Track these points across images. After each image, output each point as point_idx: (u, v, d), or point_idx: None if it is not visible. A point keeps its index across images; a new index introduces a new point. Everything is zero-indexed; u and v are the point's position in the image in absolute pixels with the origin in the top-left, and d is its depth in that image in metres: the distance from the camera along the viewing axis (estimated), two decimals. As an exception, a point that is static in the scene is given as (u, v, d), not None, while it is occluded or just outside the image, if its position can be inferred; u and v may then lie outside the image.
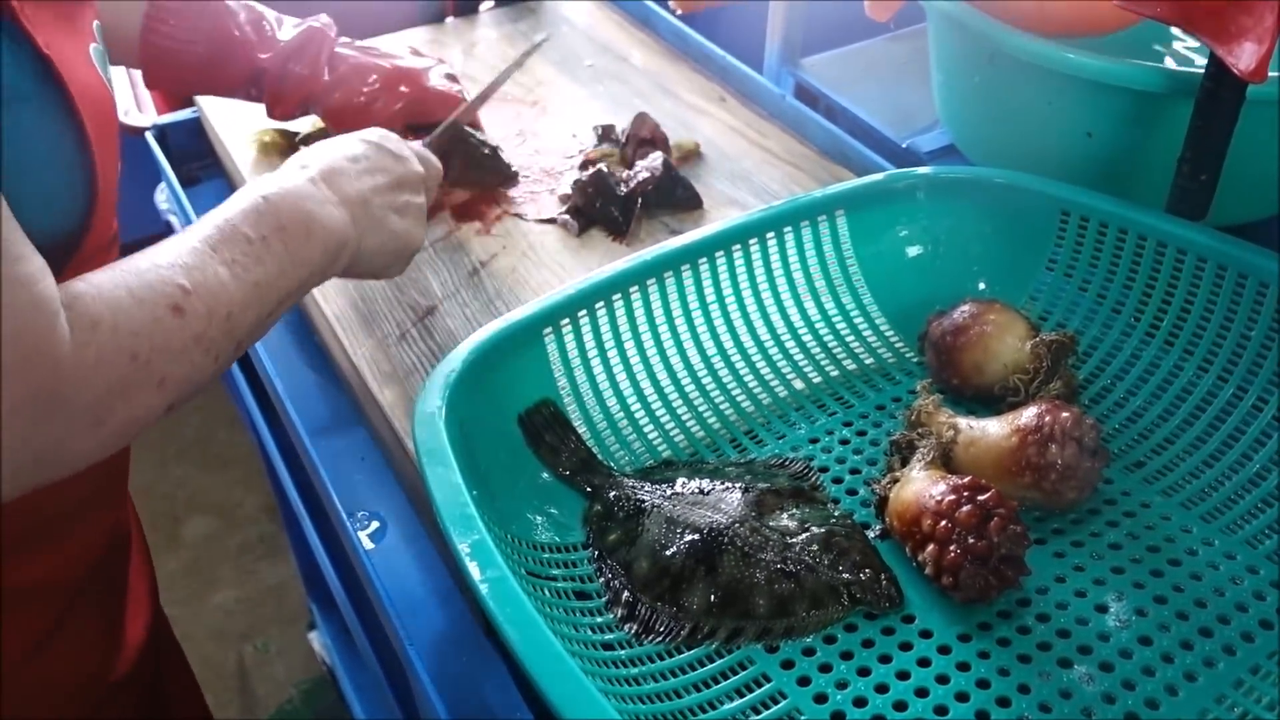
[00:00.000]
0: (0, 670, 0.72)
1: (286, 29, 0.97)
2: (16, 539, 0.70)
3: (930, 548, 0.64)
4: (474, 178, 1.03)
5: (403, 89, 1.00)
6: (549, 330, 0.77)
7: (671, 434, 0.79)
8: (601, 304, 0.80)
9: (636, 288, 0.81)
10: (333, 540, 1.26)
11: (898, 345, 0.86)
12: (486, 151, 1.02)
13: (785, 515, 0.70)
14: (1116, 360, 0.80)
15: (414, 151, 0.81)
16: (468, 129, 1.01)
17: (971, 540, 0.62)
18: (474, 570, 0.58)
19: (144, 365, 0.56)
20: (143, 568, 0.91)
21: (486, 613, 0.57)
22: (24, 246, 0.52)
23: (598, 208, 1.00)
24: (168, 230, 1.33)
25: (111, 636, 0.84)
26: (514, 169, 1.05)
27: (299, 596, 1.95)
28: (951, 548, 0.62)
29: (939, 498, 0.64)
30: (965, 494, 0.64)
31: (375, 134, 0.78)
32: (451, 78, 1.04)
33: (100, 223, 0.64)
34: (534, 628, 0.55)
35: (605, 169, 1.01)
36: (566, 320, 0.78)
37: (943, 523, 0.63)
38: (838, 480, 0.75)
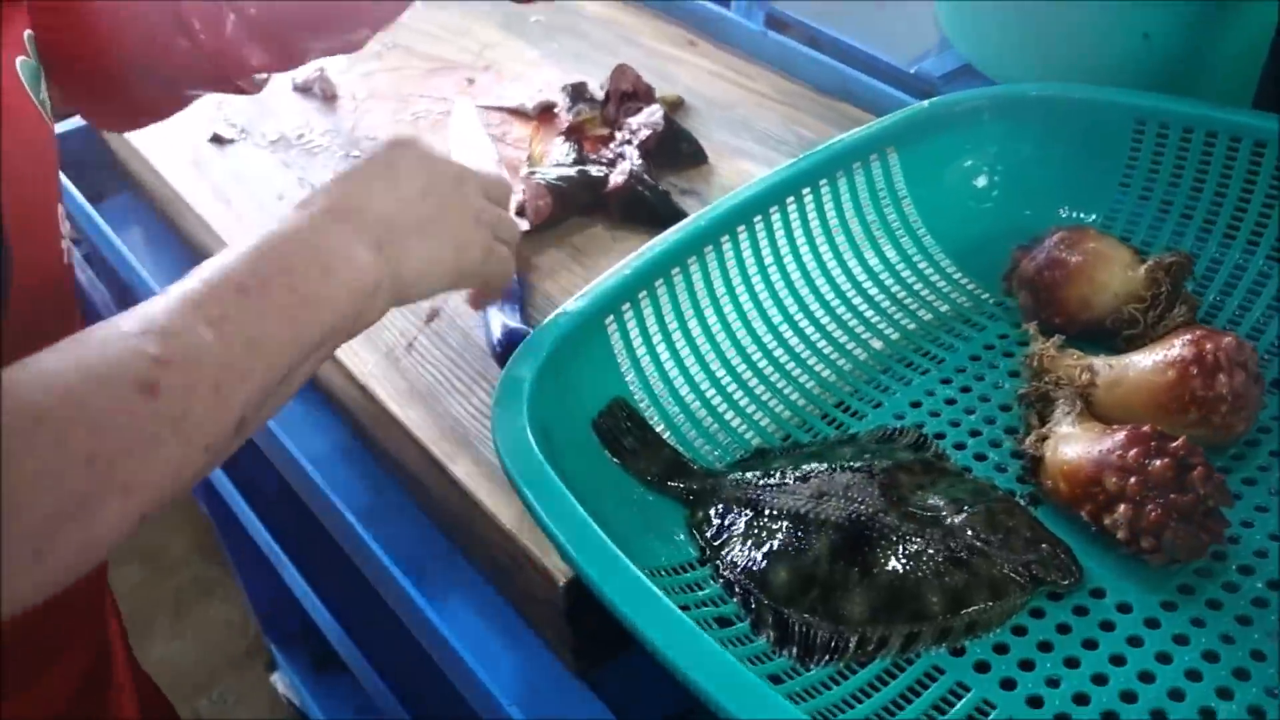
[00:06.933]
0: None
1: None
2: None
3: (1122, 508, 0.56)
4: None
5: None
6: (610, 319, 0.67)
7: (756, 418, 0.70)
8: (661, 281, 0.69)
9: (695, 258, 0.71)
10: (311, 565, 1.14)
11: (970, 287, 0.78)
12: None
13: (927, 494, 0.61)
14: (1218, 275, 0.74)
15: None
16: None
17: (1174, 495, 0.54)
18: (633, 611, 0.48)
19: (104, 470, 0.42)
20: (129, 686, 0.75)
21: (657, 657, 0.47)
22: None
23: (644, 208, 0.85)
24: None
25: None
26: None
27: (249, 638, 1.80)
28: (1149, 507, 0.55)
29: (1119, 451, 0.57)
30: (1152, 445, 0.56)
31: (400, 140, 0.61)
32: None
33: (30, 263, 0.51)
34: (706, 648, 0.46)
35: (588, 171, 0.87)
36: (627, 305, 0.68)
37: (1132, 479, 0.56)
38: (959, 446, 0.67)
